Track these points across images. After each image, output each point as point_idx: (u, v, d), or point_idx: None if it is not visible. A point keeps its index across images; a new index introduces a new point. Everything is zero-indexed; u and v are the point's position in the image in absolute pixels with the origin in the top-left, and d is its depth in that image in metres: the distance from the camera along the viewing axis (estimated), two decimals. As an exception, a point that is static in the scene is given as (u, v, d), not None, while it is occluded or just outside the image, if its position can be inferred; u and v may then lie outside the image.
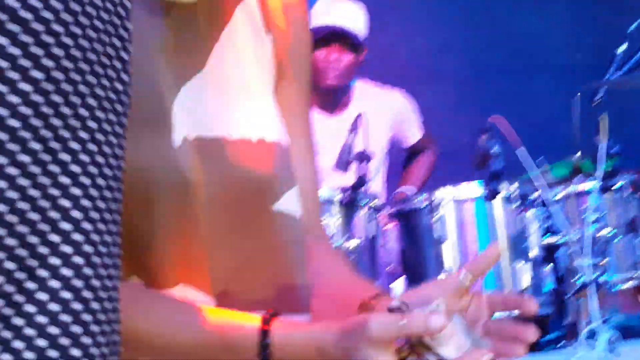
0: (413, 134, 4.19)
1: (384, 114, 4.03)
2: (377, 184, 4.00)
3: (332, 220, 3.22)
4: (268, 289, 1.24)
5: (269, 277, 1.25)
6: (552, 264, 3.32)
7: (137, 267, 1.17)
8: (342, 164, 3.24)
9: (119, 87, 0.65)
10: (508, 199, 3.33)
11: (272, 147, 1.26)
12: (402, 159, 4.32)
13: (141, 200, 1.15)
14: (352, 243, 3.21)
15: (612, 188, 3.32)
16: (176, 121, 1.19)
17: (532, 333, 1.11)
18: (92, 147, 0.63)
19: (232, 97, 1.26)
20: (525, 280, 3.25)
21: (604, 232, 3.23)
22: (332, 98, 3.94)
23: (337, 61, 3.83)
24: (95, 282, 0.65)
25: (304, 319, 1.27)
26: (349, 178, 3.37)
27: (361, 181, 3.27)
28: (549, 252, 3.33)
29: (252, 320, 1.11)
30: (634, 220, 3.33)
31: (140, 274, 1.18)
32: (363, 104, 3.88)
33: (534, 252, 3.28)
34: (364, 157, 3.28)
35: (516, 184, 3.31)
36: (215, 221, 1.20)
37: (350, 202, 3.26)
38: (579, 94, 3.53)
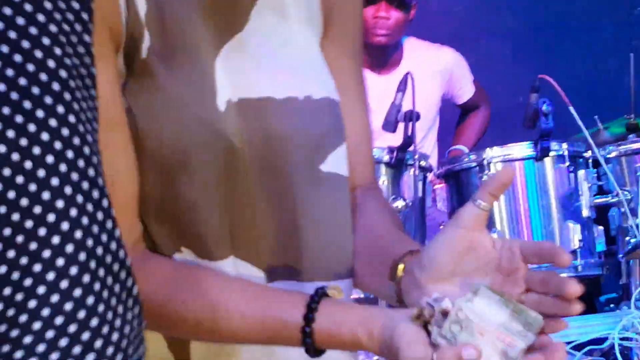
0: (466, 91, 4.14)
1: (435, 71, 3.98)
2: (428, 143, 3.96)
3: (380, 181, 3.20)
4: (315, 257, 1.21)
5: (317, 244, 1.21)
6: (604, 224, 3.27)
7: (187, 238, 1.15)
8: (390, 124, 3.20)
9: (81, 50, 0.64)
10: (559, 159, 3.27)
11: (320, 104, 1.22)
12: (456, 117, 4.27)
13: (185, 168, 1.13)
14: (400, 203, 3.18)
15: (667, 146, 3.25)
16: (219, 83, 1.15)
17: (577, 286, 1.05)
18: (72, 119, 0.63)
19: (275, 55, 1.21)
20: (577, 241, 3.20)
21: (658, 191, 3.16)
22: (382, 57, 3.90)
23: (385, 19, 3.77)
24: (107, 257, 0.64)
25: (347, 284, 1.24)
26: (397, 138, 3.33)
27: (409, 141, 3.23)
28: (601, 213, 3.27)
29: (294, 314, 1.09)
30: (688, 179, 3.26)
31: (190, 246, 1.15)
32: (413, 62, 3.84)
33: (585, 213, 3.23)
34: (411, 117, 3.24)
35: (566, 144, 3.25)
36: (261, 187, 1.17)
37: (398, 163, 3.23)
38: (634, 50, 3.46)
